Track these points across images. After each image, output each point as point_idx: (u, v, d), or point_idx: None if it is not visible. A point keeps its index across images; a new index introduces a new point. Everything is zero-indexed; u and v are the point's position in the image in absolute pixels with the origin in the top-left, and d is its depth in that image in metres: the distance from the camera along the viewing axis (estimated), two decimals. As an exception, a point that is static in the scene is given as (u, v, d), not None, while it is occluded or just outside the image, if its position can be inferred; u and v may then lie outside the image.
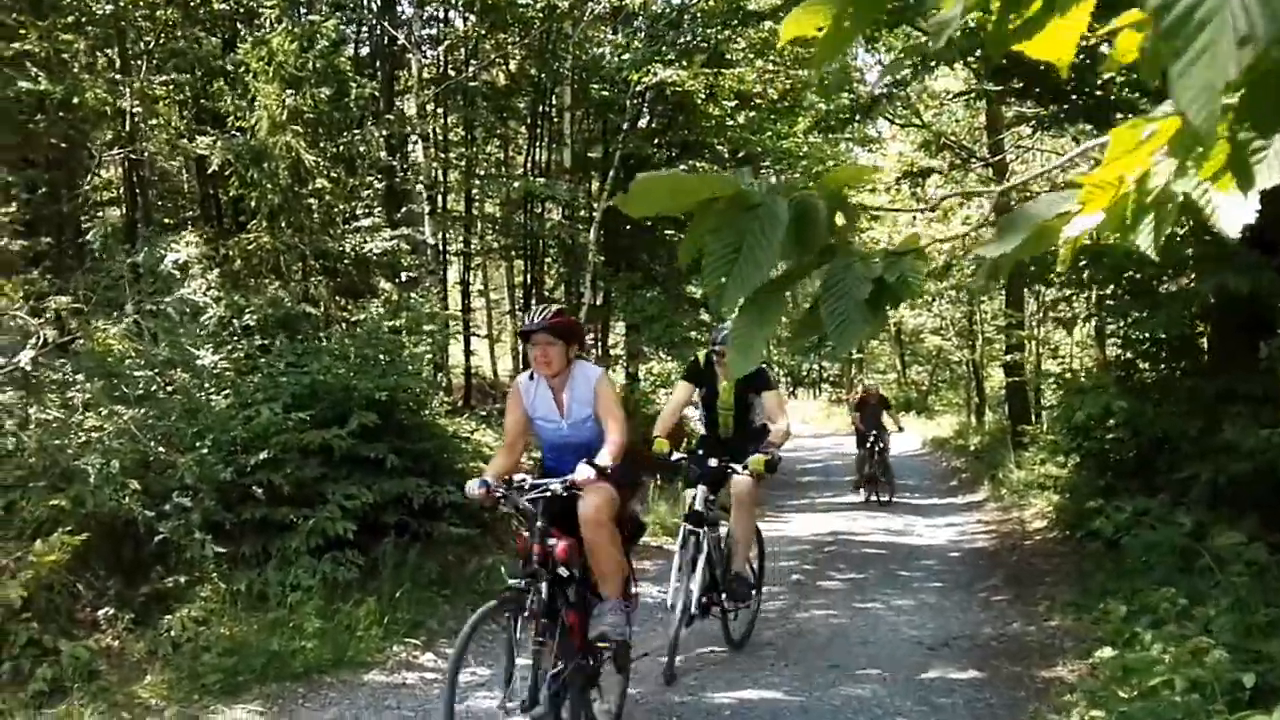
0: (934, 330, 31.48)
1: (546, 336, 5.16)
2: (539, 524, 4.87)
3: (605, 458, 4.95)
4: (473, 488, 4.97)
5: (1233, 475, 7.58)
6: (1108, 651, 6.20)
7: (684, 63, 15.68)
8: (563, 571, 5.00)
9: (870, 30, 14.38)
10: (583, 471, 4.81)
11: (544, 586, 4.83)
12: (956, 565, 11.15)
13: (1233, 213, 1.20)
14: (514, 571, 4.99)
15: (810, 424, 35.75)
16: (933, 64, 12.45)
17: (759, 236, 1.37)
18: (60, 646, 6.09)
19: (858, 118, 15.94)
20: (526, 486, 4.99)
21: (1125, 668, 5.74)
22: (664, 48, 15.76)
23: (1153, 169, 1.29)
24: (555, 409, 5.35)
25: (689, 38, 16.89)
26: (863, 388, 19.96)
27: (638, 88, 16.20)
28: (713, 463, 7.02)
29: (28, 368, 6.98)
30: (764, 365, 7.66)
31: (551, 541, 4.89)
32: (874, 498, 16.50)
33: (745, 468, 6.92)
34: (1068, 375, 14.56)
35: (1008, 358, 20.27)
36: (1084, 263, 9.28)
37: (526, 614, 4.78)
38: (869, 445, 16.56)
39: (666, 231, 20.81)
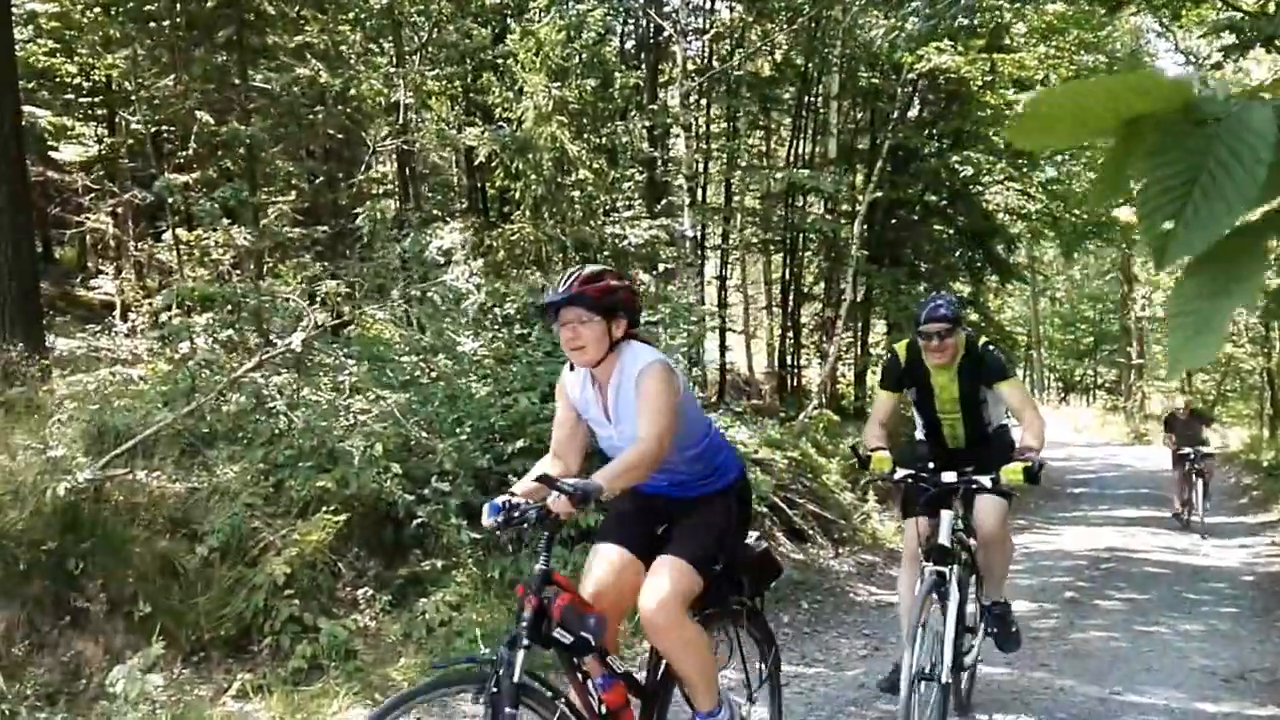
0: (1226, 336, 29.38)
1: (577, 311, 3.61)
2: (538, 565, 3.54)
3: (609, 474, 3.45)
4: (486, 515, 3.56)
5: None
6: None
7: (961, 47, 14.92)
8: (561, 636, 3.48)
9: (1169, 7, 13.35)
10: (556, 501, 3.33)
11: (518, 658, 3.29)
12: (1250, 590, 10.29)
13: None
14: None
15: (1083, 433, 34.02)
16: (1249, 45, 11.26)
17: (1226, 161, 0.93)
18: (320, 624, 6.20)
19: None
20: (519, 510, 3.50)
21: None
22: (940, 28, 15.01)
23: None
24: (602, 410, 3.86)
25: (968, 20, 16.09)
26: (1179, 404, 16.92)
27: (909, 75, 15.58)
28: (949, 478, 5.08)
29: (298, 349, 7.19)
30: (995, 349, 5.61)
31: (549, 592, 3.49)
32: (1192, 529, 13.98)
33: (995, 481, 4.96)
34: None
35: None
36: None
37: (485, 697, 3.30)
38: (1186, 467, 14.46)
39: (935, 226, 20.12)
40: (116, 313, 10.81)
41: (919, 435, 5.99)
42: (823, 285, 18.78)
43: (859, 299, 17.29)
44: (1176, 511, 14.64)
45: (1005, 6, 15.25)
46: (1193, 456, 14.24)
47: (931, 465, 5.21)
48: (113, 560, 5.61)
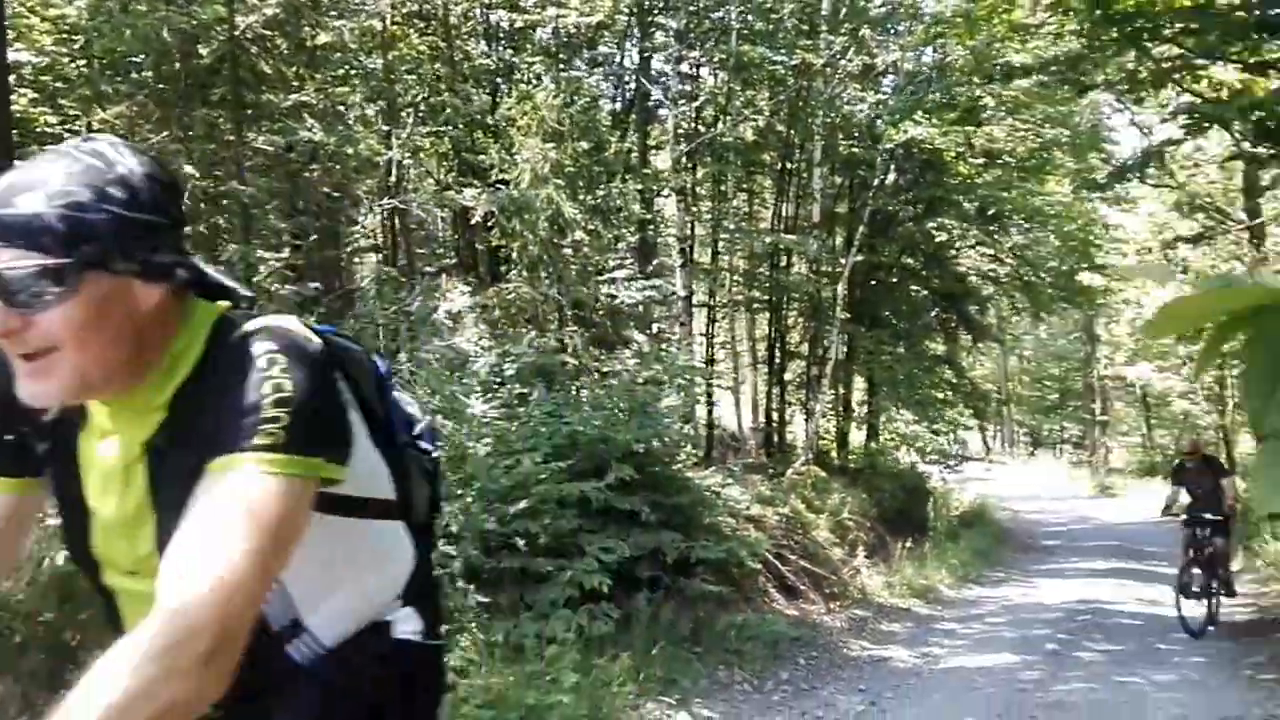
0: (1181, 394, 29.88)
1: None
2: None
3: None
4: None
5: None
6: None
7: (936, 120, 15.33)
8: None
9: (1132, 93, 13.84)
10: None
11: None
12: (1217, 641, 10.67)
13: None
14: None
15: (1051, 488, 34.59)
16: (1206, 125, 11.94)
17: None
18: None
19: (1126, 177, 15.17)
20: None
21: None
22: (919, 105, 15.46)
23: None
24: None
25: (943, 95, 16.54)
26: (1187, 443, 13.26)
27: (887, 144, 15.96)
28: None
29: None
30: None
31: None
32: (1201, 612, 10.88)
33: None
34: None
35: None
36: None
37: None
38: (1196, 532, 11.07)
39: (912, 287, 20.40)
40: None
41: None
42: (807, 344, 18.95)
43: (841, 357, 17.49)
44: (1178, 580, 11.13)
45: (977, 84, 15.66)
46: (1199, 529, 11.07)
47: None
48: (108, 633, 5.53)
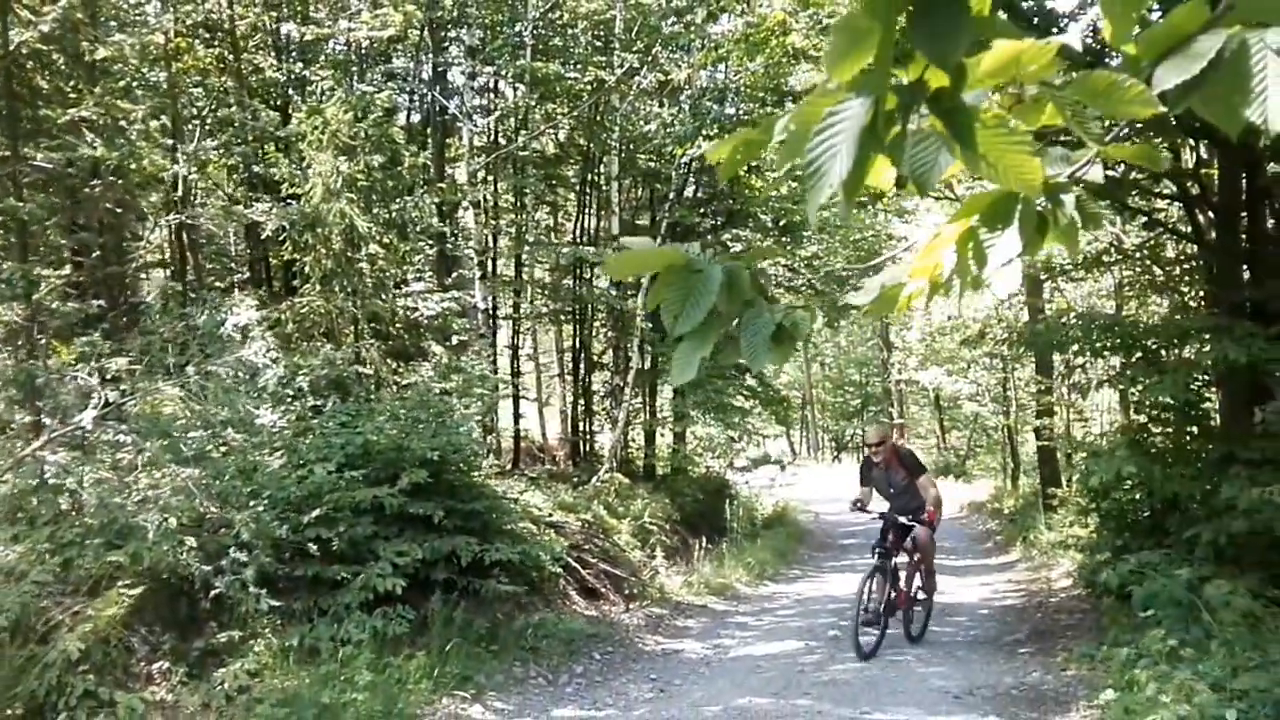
0: (970, 396, 31.53)
1: None
2: None
3: None
4: None
5: (1232, 534, 7.98)
6: (1110, 694, 6.94)
7: (727, 136, 15.90)
8: None
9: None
10: None
11: None
12: (985, 621, 11.47)
13: (1000, 284, 2.00)
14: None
15: (854, 490, 35.69)
16: None
17: (699, 291, 1.95)
18: (116, 698, 6.18)
19: (896, 192, 16.08)
20: None
21: (1126, 709, 6.47)
22: (708, 122, 16.05)
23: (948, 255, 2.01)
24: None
25: (732, 112, 17.22)
26: (873, 433, 10.43)
27: (683, 159, 16.48)
28: None
29: (89, 427, 7.14)
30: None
31: None
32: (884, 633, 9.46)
33: None
34: (1088, 439, 15.11)
35: (1038, 423, 20.35)
36: (1095, 334, 10.36)
37: None
38: (881, 540, 9.54)
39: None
40: None
41: None
42: (611, 353, 19.30)
43: (645, 366, 17.89)
44: (856, 608, 9.32)
45: (758, 110, 16.39)
46: (890, 519, 9.64)
47: None
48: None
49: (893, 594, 9.56)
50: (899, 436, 10.60)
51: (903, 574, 9.76)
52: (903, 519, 9.62)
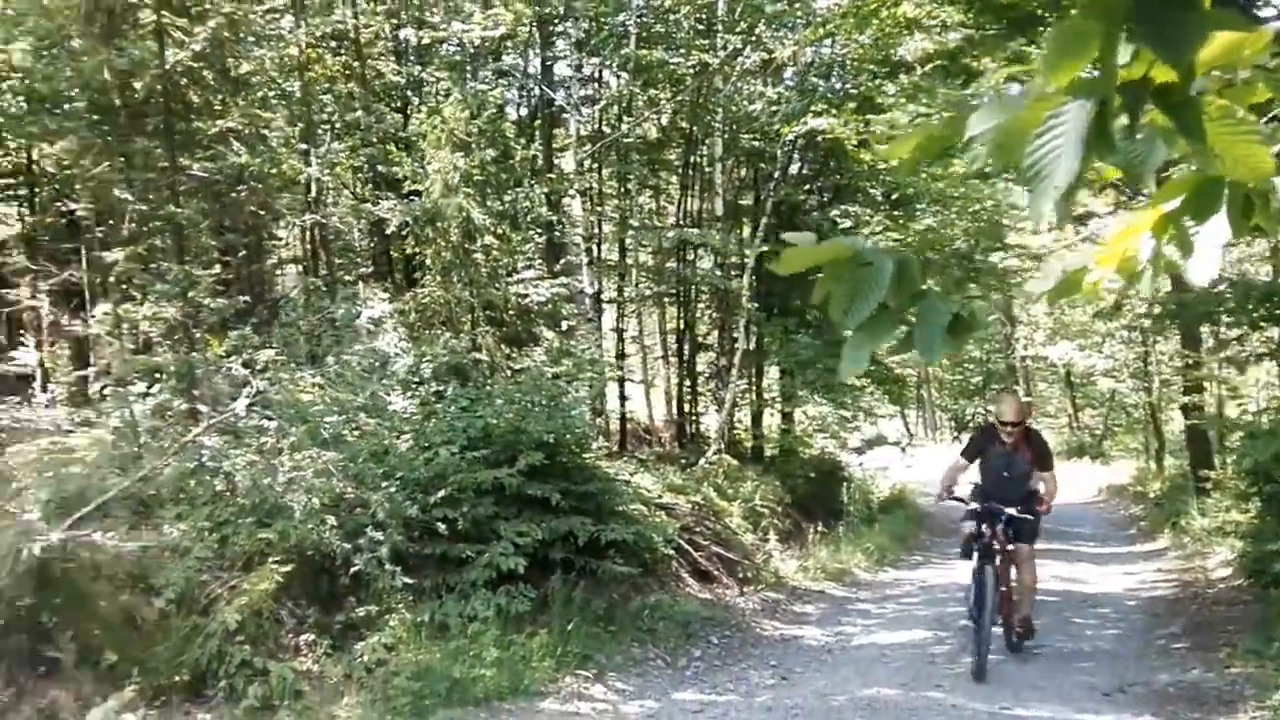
0: (1106, 372, 30.22)
1: None
2: None
3: None
4: None
5: None
6: (1285, 695, 6.06)
7: (834, 111, 15.95)
8: None
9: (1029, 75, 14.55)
10: None
11: None
12: (1133, 614, 10.98)
13: (1196, 270, 1.91)
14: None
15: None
16: None
17: (869, 284, 1.96)
18: (269, 667, 6.73)
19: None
20: None
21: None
22: (814, 99, 16.08)
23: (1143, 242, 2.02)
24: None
25: (839, 86, 17.19)
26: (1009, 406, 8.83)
27: (788, 136, 16.53)
28: None
29: (241, 414, 7.74)
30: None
31: None
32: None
33: None
34: (1247, 417, 14.11)
35: (1186, 400, 19.38)
36: (1251, 303, 9.54)
37: None
38: (978, 532, 8.30)
39: (819, 275, 20.98)
40: (37, 384, 11.15)
41: None
42: (716, 335, 19.46)
43: (751, 347, 18.01)
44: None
45: (872, 76, 16.32)
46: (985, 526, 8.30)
47: None
48: (81, 614, 6.09)
49: (997, 593, 8.27)
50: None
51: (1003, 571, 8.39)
52: (1011, 510, 8.18)
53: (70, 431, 8.12)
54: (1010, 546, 8.40)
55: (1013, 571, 8.58)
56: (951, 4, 13.17)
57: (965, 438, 9.15)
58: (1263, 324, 10.44)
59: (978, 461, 8.85)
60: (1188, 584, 12.52)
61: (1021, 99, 1.77)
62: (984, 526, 8.24)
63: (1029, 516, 8.28)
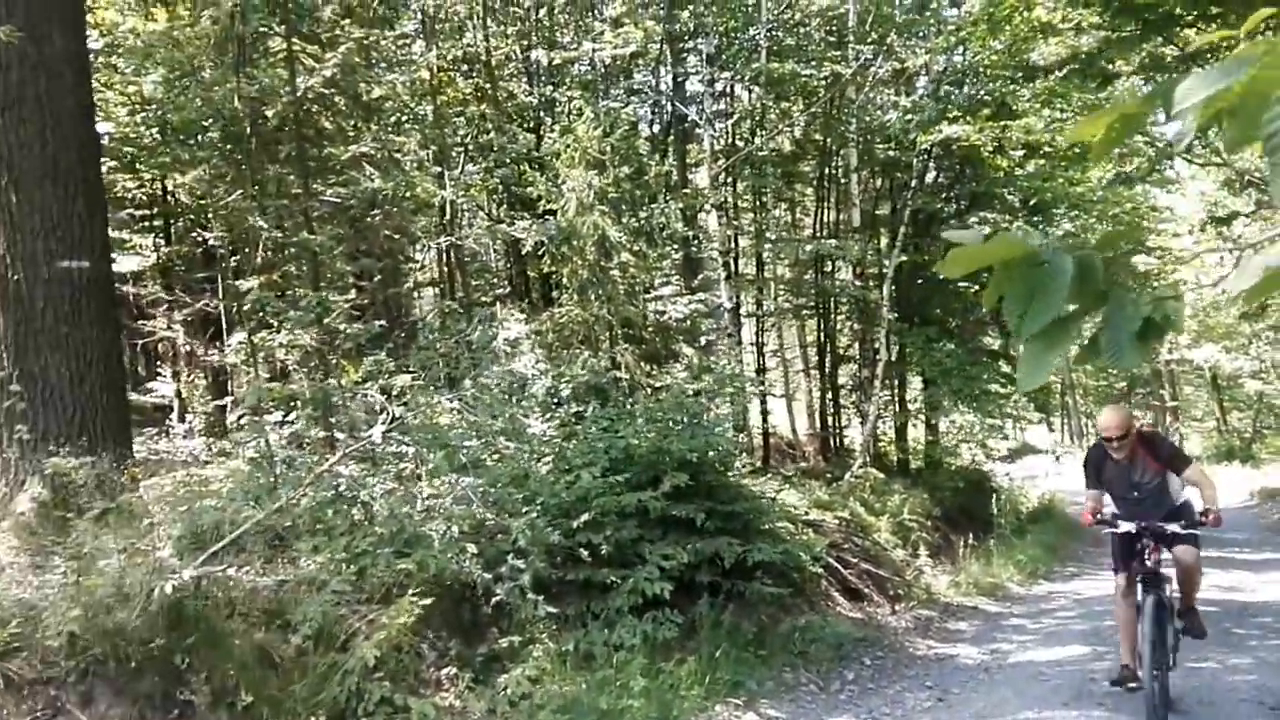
0: (1253, 374, 29.20)
1: None
2: None
3: None
4: None
5: None
6: None
7: (969, 118, 15.57)
8: None
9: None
10: None
11: None
12: None
13: None
14: None
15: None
16: None
17: (1047, 286, 1.76)
18: (410, 704, 6.52)
19: (1157, 166, 15.23)
20: None
21: None
22: (949, 106, 15.71)
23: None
24: None
25: (973, 93, 16.81)
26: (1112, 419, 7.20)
27: (923, 145, 16.19)
28: None
29: (378, 441, 7.60)
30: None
31: None
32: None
33: None
34: None
35: None
36: None
37: None
38: (1139, 559, 6.96)
39: (960, 284, 20.47)
40: (174, 415, 11.30)
41: None
42: (857, 346, 19.14)
43: (893, 358, 17.65)
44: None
45: (1006, 81, 15.89)
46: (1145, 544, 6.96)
47: None
48: (215, 653, 5.94)
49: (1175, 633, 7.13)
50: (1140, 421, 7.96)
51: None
52: (1171, 527, 6.82)
53: (207, 462, 8.10)
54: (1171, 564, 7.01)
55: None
56: (1086, 6, 12.68)
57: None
58: None
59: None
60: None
61: (1243, 66, 1.48)
62: (1139, 545, 6.89)
63: (1194, 532, 6.81)
